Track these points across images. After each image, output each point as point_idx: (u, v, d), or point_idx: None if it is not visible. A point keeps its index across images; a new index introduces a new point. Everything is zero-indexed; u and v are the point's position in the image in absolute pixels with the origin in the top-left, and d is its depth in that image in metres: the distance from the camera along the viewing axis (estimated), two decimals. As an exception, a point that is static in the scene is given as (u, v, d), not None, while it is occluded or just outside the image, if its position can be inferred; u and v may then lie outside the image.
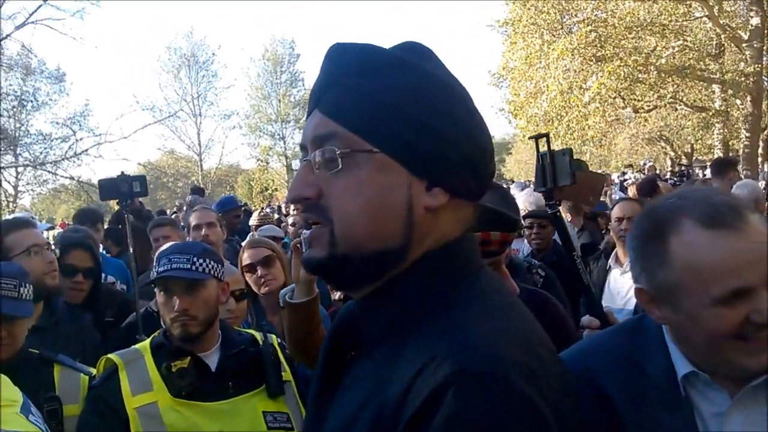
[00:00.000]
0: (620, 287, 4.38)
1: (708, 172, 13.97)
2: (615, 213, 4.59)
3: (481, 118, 1.09)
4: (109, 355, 2.34)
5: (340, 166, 1.00)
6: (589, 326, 1.90)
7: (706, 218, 1.36)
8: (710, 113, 22.29)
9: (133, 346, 2.50)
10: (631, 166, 27.33)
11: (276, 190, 41.81)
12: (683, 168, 20.93)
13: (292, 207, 10.04)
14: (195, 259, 2.34)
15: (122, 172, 4.57)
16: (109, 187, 4.51)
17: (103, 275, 5.09)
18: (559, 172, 2.14)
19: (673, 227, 1.39)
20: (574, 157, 2.15)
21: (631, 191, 10.44)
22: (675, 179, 14.71)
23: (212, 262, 2.39)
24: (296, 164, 1.10)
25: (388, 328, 1.01)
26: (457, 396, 0.84)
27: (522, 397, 0.85)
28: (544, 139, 2.18)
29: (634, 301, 3.40)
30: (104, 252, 5.75)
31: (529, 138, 1.95)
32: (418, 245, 1.03)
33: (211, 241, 4.29)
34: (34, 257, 3.03)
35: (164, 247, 2.64)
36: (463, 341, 0.91)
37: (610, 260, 4.60)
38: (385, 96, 1.00)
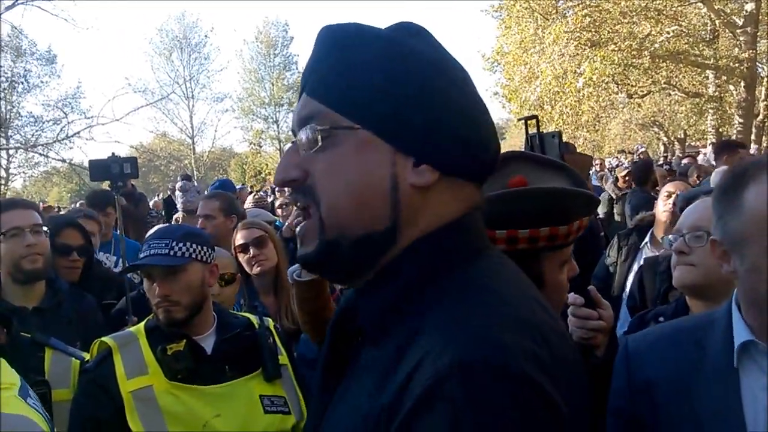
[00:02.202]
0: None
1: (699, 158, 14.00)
2: (667, 188, 4.59)
3: (476, 95, 1.04)
4: (103, 338, 2.31)
5: (320, 144, 0.97)
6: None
7: None
8: (704, 99, 22.31)
9: (127, 329, 2.46)
10: (623, 151, 27.35)
11: (269, 174, 41.69)
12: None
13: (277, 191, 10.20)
14: (174, 244, 2.27)
15: (113, 154, 4.52)
16: (100, 169, 4.47)
17: (108, 256, 5.11)
18: (548, 153, 2.12)
19: (752, 177, 1.42)
20: (564, 141, 2.14)
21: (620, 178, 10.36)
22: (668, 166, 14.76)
23: (195, 245, 2.32)
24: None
25: (389, 314, 0.96)
26: (458, 390, 0.78)
27: (532, 385, 0.80)
28: (534, 121, 2.17)
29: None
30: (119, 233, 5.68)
31: (519, 120, 1.95)
32: (407, 226, 0.97)
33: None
34: (9, 240, 2.95)
35: (152, 230, 2.59)
36: (462, 328, 0.85)
37: (645, 240, 4.41)
38: (366, 72, 0.97)
